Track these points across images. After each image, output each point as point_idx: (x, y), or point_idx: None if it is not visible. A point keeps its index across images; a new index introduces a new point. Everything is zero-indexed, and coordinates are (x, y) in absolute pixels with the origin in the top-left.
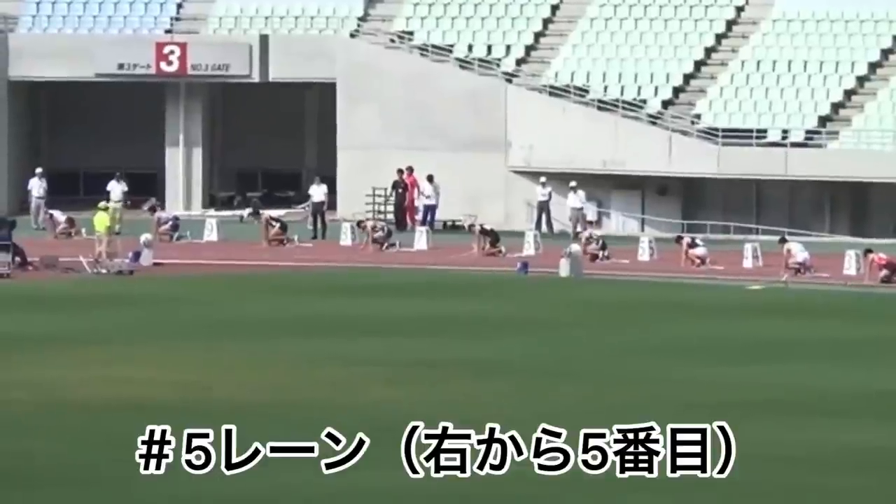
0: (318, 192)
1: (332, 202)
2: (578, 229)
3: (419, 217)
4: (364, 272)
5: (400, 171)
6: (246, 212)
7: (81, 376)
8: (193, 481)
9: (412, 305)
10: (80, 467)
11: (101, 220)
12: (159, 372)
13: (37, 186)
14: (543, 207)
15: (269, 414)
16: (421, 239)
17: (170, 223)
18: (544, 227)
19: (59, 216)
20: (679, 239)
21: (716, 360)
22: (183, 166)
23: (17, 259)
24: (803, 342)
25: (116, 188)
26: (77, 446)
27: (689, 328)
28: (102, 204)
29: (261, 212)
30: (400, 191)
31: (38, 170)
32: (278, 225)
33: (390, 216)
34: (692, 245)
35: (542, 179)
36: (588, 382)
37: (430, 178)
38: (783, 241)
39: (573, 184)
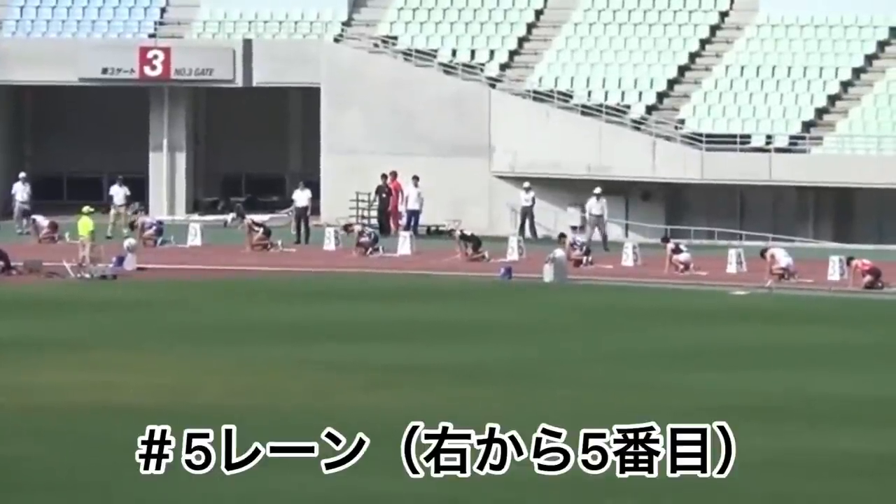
0: (301, 196)
1: (315, 207)
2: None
3: (403, 222)
4: (348, 277)
5: (384, 177)
6: (230, 216)
7: (64, 381)
8: (178, 487)
9: (396, 310)
10: (64, 472)
11: (84, 224)
12: (143, 376)
13: (20, 191)
14: (527, 213)
15: (253, 418)
16: (405, 244)
17: (154, 228)
18: (528, 233)
19: (43, 221)
20: (665, 239)
21: (700, 365)
22: (167, 171)
23: (1, 263)
24: (788, 348)
25: (119, 192)
26: (61, 451)
27: (673, 334)
28: (86, 208)
29: (244, 216)
30: (384, 196)
31: (22, 174)
32: (262, 230)
33: (374, 221)
34: (676, 251)
35: (526, 185)
36: (572, 388)
37: (415, 180)
38: (764, 253)
39: (598, 190)
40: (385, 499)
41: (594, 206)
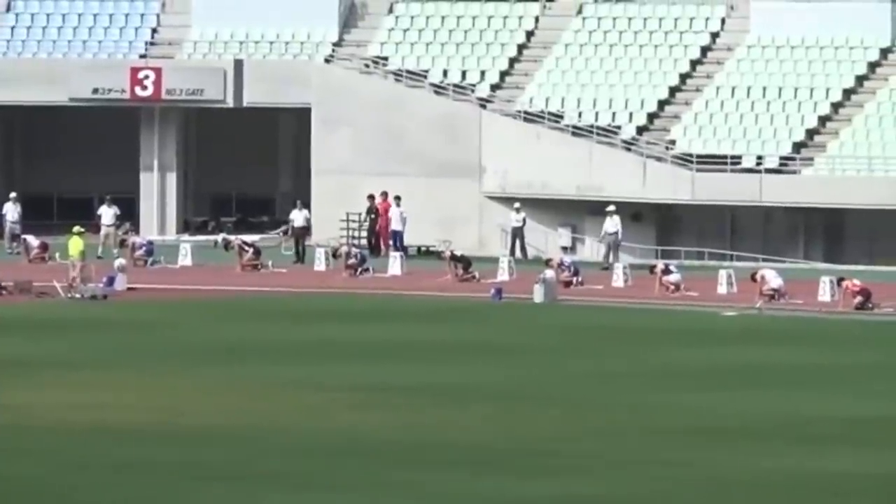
0: (299, 216)
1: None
2: (611, 260)
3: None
4: (338, 298)
5: (370, 197)
6: (219, 237)
7: (55, 401)
8: None
9: (386, 331)
10: (56, 491)
11: (75, 244)
12: (133, 396)
13: (11, 211)
14: (517, 233)
15: (241, 438)
16: (395, 264)
17: (144, 248)
18: (518, 253)
19: (33, 241)
20: (652, 269)
21: (690, 385)
22: (157, 191)
23: None
24: (778, 369)
25: (108, 212)
26: (51, 471)
27: (663, 354)
28: (77, 229)
29: (230, 241)
30: (372, 216)
31: (13, 194)
32: (251, 250)
33: (364, 241)
34: (666, 271)
35: (517, 205)
36: (562, 407)
37: (397, 200)
38: (754, 276)
39: (611, 208)
40: None
41: (608, 224)
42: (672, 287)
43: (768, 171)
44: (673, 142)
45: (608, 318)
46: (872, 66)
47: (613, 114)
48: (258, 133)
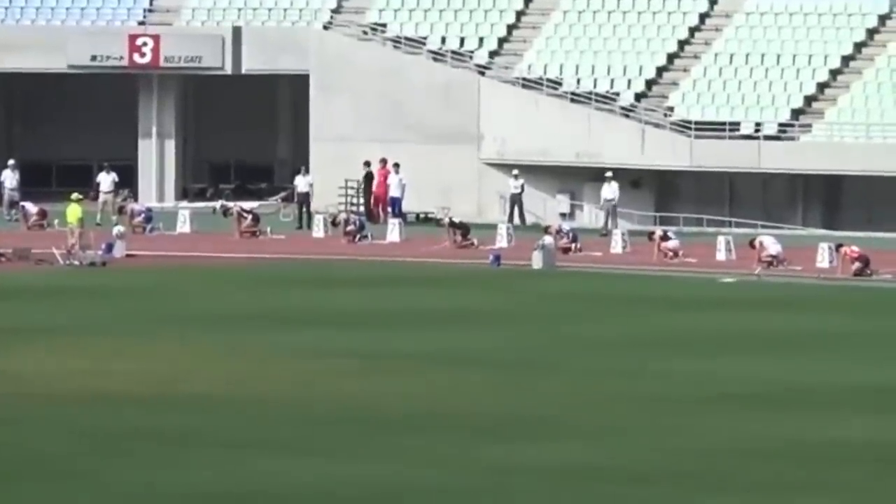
0: (303, 182)
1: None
2: (609, 226)
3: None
4: (336, 264)
5: (367, 164)
6: (219, 203)
7: (54, 368)
8: (168, 473)
9: (384, 297)
10: (54, 460)
11: (73, 211)
12: (133, 364)
13: (9, 178)
14: (516, 200)
15: (240, 405)
16: (394, 231)
17: (143, 215)
18: (517, 220)
19: (32, 208)
20: (651, 235)
21: (689, 352)
22: (156, 158)
23: None
24: (776, 335)
25: (106, 179)
26: (51, 439)
27: (662, 321)
28: (75, 195)
29: (228, 207)
30: (365, 182)
31: (11, 161)
32: (250, 217)
33: (363, 208)
34: (665, 238)
35: (515, 172)
36: (562, 374)
37: (395, 167)
38: (752, 243)
39: (609, 174)
40: (376, 484)
41: (606, 190)
42: (671, 253)
43: (767, 137)
44: (671, 108)
45: (607, 285)
46: (871, 32)
47: (612, 80)
48: (257, 100)
